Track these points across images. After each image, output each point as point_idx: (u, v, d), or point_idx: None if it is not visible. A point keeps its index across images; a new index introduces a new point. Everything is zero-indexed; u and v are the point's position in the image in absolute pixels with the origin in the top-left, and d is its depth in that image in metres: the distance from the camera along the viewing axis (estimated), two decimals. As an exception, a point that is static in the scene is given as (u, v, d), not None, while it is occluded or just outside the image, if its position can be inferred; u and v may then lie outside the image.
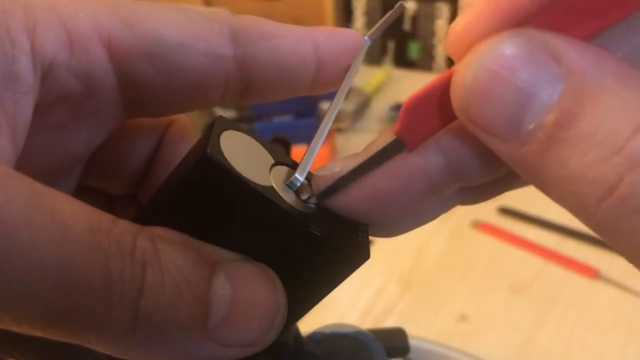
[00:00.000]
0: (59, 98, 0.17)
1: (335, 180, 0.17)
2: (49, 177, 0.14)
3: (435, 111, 0.16)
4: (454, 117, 0.16)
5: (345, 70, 0.19)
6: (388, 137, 0.17)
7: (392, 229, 0.19)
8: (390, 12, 0.19)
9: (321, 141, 0.18)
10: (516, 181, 0.19)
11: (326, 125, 0.18)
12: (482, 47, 0.14)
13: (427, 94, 0.16)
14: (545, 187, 0.14)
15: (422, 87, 0.16)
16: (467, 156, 0.16)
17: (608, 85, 0.13)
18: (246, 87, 0.19)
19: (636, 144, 0.12)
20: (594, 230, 0.13)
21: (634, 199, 0.12)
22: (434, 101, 0.16)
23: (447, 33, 0.15)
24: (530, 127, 0.13)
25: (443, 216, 0.20)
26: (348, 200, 0.17)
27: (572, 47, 0.13)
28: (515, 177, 0.19)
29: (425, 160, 0.17)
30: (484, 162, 0.16)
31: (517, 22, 0.14)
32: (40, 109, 0.17)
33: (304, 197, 0.17)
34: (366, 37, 0.20)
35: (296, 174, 0.17)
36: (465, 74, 0.14)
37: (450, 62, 1.12)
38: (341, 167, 0.17)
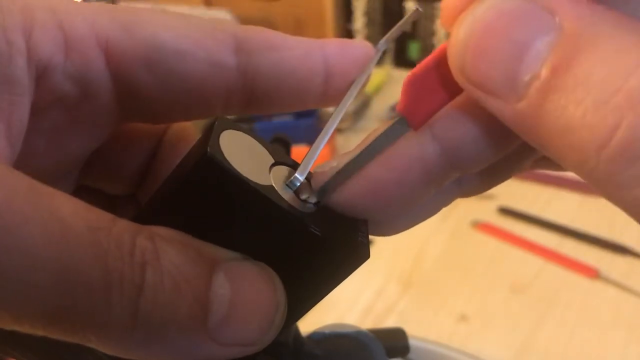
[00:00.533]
0: (55, 101, 0.17)
1: (334, 174, 0.17)
2: (46, 178, 0.14)
3: (436, 86, 0.16)
4: (456, 91, 0.16)
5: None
6: (384, 126, 0.17)
7: (392, 226, 0.19)
8: (406, 16, 0.19)
9: (324, 143, 0.18)
10: (514, 167, 0.19)
11: (330, 128, 0.18)
12: (475, 4, 0.14)
13: (428, 67, 0.16)
14: (545, 145, 0.14)
15: (422, 62, 0.16)
16: (462, 142, 0.16)
17: (603, 30, 0.12)
18: (250, 98, 0.19)
19: (635, 83, 0.12)
20: (598, 189, 0.13)
21: (635, 143, 0.12)
22: (435, 75, 0.16)
23: (441, 12, 0.15)
24: (526, 78, 0.13)
25: (443, 216, 0.20)
26: (347, 194, 0.17)
27: (565, 0, 0.13)
28: (512, 163, 0.19)
29: (421, 149, 0.16)
30: (479, 147, 0.16)
31: None
32: (36, 112, 0.17)
33: (304, 196, 0.17)
34: (382, 42, 0.19)
35: (296, 174, 0.17)
36: (459, 31, 0.14)
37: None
38: (337, 162, 0.17)
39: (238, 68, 0.18)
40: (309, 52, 0.18)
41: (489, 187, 0.19)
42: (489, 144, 0.16)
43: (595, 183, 0.13)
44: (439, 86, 0.16)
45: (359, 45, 0.19)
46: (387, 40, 0.20)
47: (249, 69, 0.18)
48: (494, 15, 0.13)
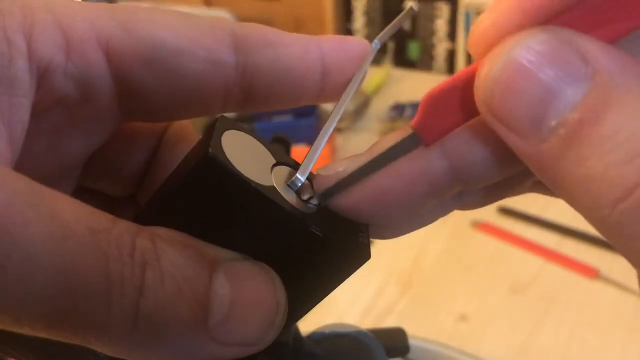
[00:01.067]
0: (56, 102, 0.17)
1: (340, 180, 0.17)
2: (47, 180, 0.14)
3: (454, 107, 0.16)
4: (473, 114, 0.16)
5: (351, 79, 0.19)
6: (394, 138, 0.17)
7: (391, 231, 0.19)
8: (401, 15, 0.19)
9: (324, 143, 0.18)
10: (516, 187, 0.19)
11: (330, 127, 0.18)
12: (511, 41, 0.14)
13: (447, 89, 0.16)
14: (559, 187, 0.14)
15: (442, 82, 0.16)
16: (471, 161, 0.16)
17: (633, 88, 0.13)
18: (248, 96, 0.19)
19: None
20: (604, 233, 0.13)
21: None
22: (454, 97, 0.16)
23: (469, 35, 0.15)
24: (553, 124, 0.13)
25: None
26: (350, 201, 0.17)
27: (598, 47, 0.13)
28: (514, 183, 0.19)
29: (430, 163, 0.17)
30: (487, 167, 0.16)
31: (543, 21, 0.14)
32: (37, 113, 0.17)
33: (305, 197, 0.17)
34: (376, 40, 0.19)
35: (298, 175, 0.17)
36: (492, 66, 0.14)
37: (450, 62, 1.12)
38: (345, 167, 0.17)
39: (237, 66, 0.18)
40: (306, 49, 0.18)
41: (488, 204, 0.20)
42: (497, 165, 0.16)
43: (603, 230, 0.13)
44: (457, 108, 0.16)
45: (356, 42, 0.19)
46: (382, 39, 0.20)
47: (248, 66, 0.18)
48: (530, 55, 0.13)
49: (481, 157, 0.16)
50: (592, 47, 0.13)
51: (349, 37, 0.19)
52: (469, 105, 0.15)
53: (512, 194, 0.20)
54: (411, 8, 0.19)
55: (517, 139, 0.14)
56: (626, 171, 0.12)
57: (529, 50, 0.14)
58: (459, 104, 0.16)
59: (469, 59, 1.08)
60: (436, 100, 0.16)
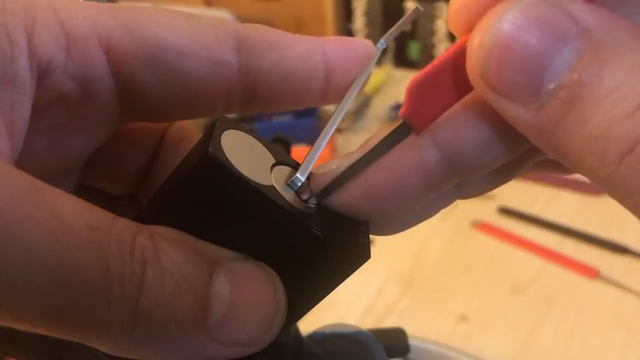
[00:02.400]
0: (56, 100, 0.17)
1: (335, 177, 0.17)
2: (48, 178, 0.14)
3: (440, 90, 0.16)
4: (460, 95, 0.16)
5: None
6: (385, 131, 0.17)
7: (392, 226, 0.19)
8: (406, 15, 0.19)
9: (325, 142, 0.18)
10: (513, 171, 0.19)
11: (331, 127, 0.18)
12: (497, 10, 0.14)
13: (432, 73, 0.16)
14: (562, 151, 0.14)
15: (425, 67, 0.16)
16: (463, 149, 0.16)
17: (624, 42, 0.13)
18: (251, 97, 0.19)
19: None
20: (611, 191, 0.13)
21: None
22: (439, 80, 0.16)
23: (449, 12, 0.15)
24: (551, 87, 0.13)
25: (443, 216, 0.20)
26: (346, 197, 0.17)
27: (583, 7, 0.13)
28: (512, 167, 0.19)
29: (421, 154, 0.16)
30: (479, 154, 0.16)
31: None
32: (37, 111, 0.17)
33: (305, 197, 0.17)
34: (382, 40, 0.19)
35: (297, 174, 0.17)
36: (483, 38, 0.14)
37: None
38: (338, 164, 0.17)
39: (239, 67, 0.18)
40: (309, 50, 0.18)
41: (488, 190, 0.19)
42: (489, 151, 0.16)
43: (609, 186, 0.13)
44: (443, 90, 0.16)
45: (360, 43, 0.19)
46: (387, 39, 0.19)
47: (250, 67, 0.18)
48: (520, 21, 0.13)
49: (473, 144, 0.16)
50: (578, 7, 0.13)
51: (352, 39, 0.19)
52: (455, 86, 0.15)
53: (511, 177, 0.20)
54: (417, 8, 0.19)
55: (516, 108, 0.14)
56: (629, 124, 0.12)
57: (517, 17, 0.13)
58: (445, 86, 0.16)
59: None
60: (422, 86, 0.16)
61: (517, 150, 0.17)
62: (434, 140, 0.16)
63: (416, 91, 0.16)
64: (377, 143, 0.17)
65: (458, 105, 0.16)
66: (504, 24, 0.14)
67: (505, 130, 0.16)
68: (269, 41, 0.18)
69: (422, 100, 0.16)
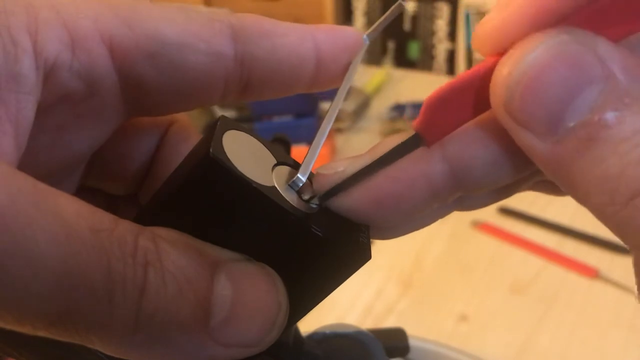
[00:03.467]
0: (61, 98, 0.17)
1: (341, 181, 0.17)
2: (51, 177, 0.14)
3: (457, 108, 0.16)
4: (475, 114, 0.16)
5: (344, 68, 0.19)
6: (395, 140, 0.17)
7: (391, 232, 0.19)
8: (389, 11, 0.19)
9: (323, 141, 0.18)
10: (514, 190, 0.19)
11: (327, 125, 0.18)
12: (530, 42, 0.14)
13: (453, 90, 0.16)
14: (572, 185, 0.14)
15: (445, 84, 0.16)
16: (471, 166, 0.16)
17: None
18: (246, 85, 0.19)
19: None
20: (614, 227, 0.14)
21: None
22: (457, 97, 0.16)
23: (475, 33, 0.16)
24: (571, 124, 0.14)
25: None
26: (351, 202, 0.17)
27: (612, 48, 0.14)
28: (514, 186, 0.19)
29: (430, 167, 0.17)
30: (487, 172, 0.17)
31: (553, 21, 0.14)
32: (42, 110, 0.17)
33: (306, 197, 0.17)
34: (365, 36, 0.20)
35: (298, 174, 0.17)
36: (512, 68, 0.14)
37: (450, 62, 1.12)
38: (345, 167, 0.17)
39: (235, 57, 0.18)
40: (300, 38, 0.19)
41: (487, 204, 0.20)
42: (496, 171, 0.17)
43: (612, 223, 0.14)
44: (460, 107, 0.16)
45: (349, 31, 0.20)
46: (370, 35, 0.20)
47: (246, 57, 0.18)
48: (550, 57, 0.14)
49: (481, 162, 0.16)
50: (606, 48, 0.14)
51: (342, 27, 0.20)
52: (473, 105, 0.16)
53: (510, 195, 0.20)
54: (399, 3, 0.19)
55: (533, 139, 0.14)
56: None
57: (549, 52, 0.14)
58: (463, 104, 0.16)
59: (469, 59, 1.08)
60: (439, 102, 0.16)
61: (523, 173, 0.17)
62: (444, 154, 0.17)
63: (434, 106, 0.16)
64: (386, 151, 0.17)
65: (471, 122, 0.17)
66: (535, 58, 0.14)
67: (514, 153, 0.16)
68: (262, 30, 0.19)
69: (438, 115, 0.16)
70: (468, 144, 0.16)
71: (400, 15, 0.20)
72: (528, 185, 0.19)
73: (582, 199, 0.14)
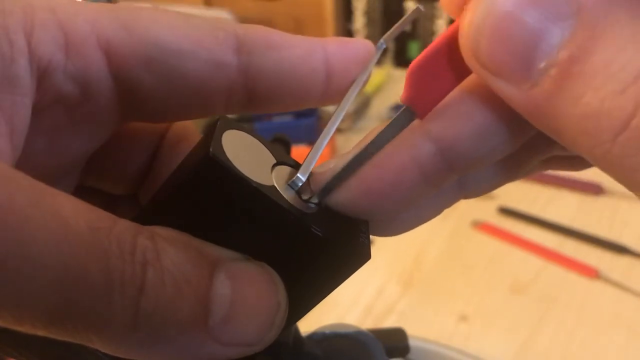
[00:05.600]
0: (56, 100, 0.17)
1: (334, 176, 0.17)
2: (47, 179, 0.14)
3: (440, 73, 0.16)
4: (461, 76, 0.16)
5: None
6: (380, 128, 0.17)
7: (392, 227, 0.19)
8: (407, 15, 0.19)
9: (325, 142, 0.18)
10: (518, 170, 0.19)
11: (332, 127, 0.18)
12: None
13: (431, 55, 0.16)
14: (557, 131, 0.14)
15: (424, 50, 0.16)
16: (456, 140, 0.16)
17: (620, 18, 0.13)
18: (251, 97, 0.19)
19: None
20: (607, 169, 0.13)
21: None
22: (438, 62, 0.16)
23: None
24: (542, 65, 0.13)
25: (443, 216, 0.20)
26: (345, 195, 0.17)
27: None
28: (515, 165, 0.19)
29: (416, 149, 0.16)
30: (473, 146, 0.16)
31: None
32: (37, 112, 0.17)
33: (305, 197, 0.17)
34: (382, 41, 0.19)
35: (298, 174, 0.17)
36: (474, 15, 0.14)
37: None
38: (335, 163, 0.17)
39: (239, 67, 0.18)
40: (309, 51, 0.18)
41: (492, 189, 0.19)
42: (484, 143, 0.16)
43: (605, 165, 0.13)
44: (442, 73, 0.16)
45: (360, 43, 0.19)
46: (387, 39, 0.19)
47: (250, 68, 0.18)
48: (511, 1, 0.13)
49: (466, 136, 0.16)
50: None
51: (352, 39, 0.19)
52: (454, 68, 0.15)
53: (516, 177, 0.19)
54: (417, 8, 0.19)
55: (507, 86, 0.14)
56: (621, 101, 0.12)
57: None
58: (444, 68, 0.16)
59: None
60: (420, 69, 0.16)
61: (514, 141, 0.16)
62: (428, 134, 0.16)
63: (416, 75, 0.16)
64: (378, 133, 0.17)
65: (450, 97, 0.16)
66: (496, 1, 0.13)
67: (499, 122, 0.16)
68: (269, 41, 0.18)
69: (423, 84, 0.16)
70: (450, 120, 0.16)
71: (399, 15, 0.19)
72: (535, 164, 0.19)
73: (571, 145, 0.14)
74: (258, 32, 0.18)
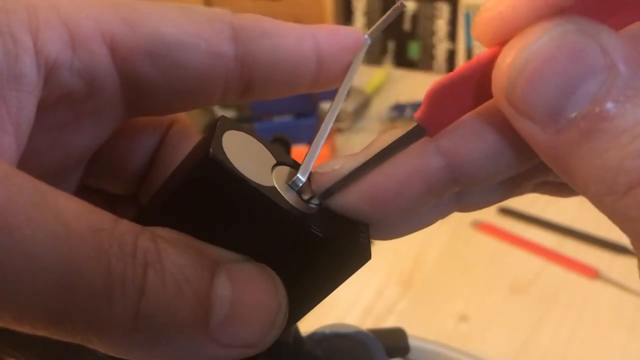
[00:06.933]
0: (62, 97, 0.17)
1: (338, 179, 0.17)
2: (50, 176, 0.14)
3: (460, 97, 0.16)
4: (477, 103, 0.16)
5: (345, 68, 0.19)
6: (392, 135, 0.17)
7: (391, 232, 0.19)
8: (390, 11, 0.19)
9: (322, 141, 0.18)
10: (515, 189, 0.19)
11: (327, 125, 0.18)
12: (533, 32, 0.14)
13: (455, 80, 0.16)
14: (572, 175, 0.14)
15: (446, 75, 0.16)
16: (467, 158, 0.16)
17: None
18: (246, 85, 0.19)
19: None
20: (611, 215, 0.14)
21: None
22: (461, 87, 0.16)
23: (474, 24, 0.16)
24: (572, 115, 0.14)
25: (443, 216, 0.20)
26: (348, 199, 0.17)
27: (617, 39, 0.14)
28: (514, 185, 0.19)
29: (425, 161, 0.17)
30: (483, 165, 0.16)
31: (556, 9, 0.14)
32: (42, 109, 0.17)
33: (306, 197, 0.17)
34: (366, 36, 0.20)
35: (298, 174, 0.17)
36: (515, 58, 0.14)
37: (451, 62, 1.12)
38: (341, 165, 0.17)
39: (236, 56, 0.18)
40: (301, 38, 0.19)
41: (487, 205, 0.20)
42: (492, 164, 0.17)
43: (610, 212, 0.14)
44: (462, 97, 0.16)
45: (350, 31, 0.20)
46: (371, 35, 0.20)
47: (246, 57, 0.18)
48: (553, 48, 0.14)
49: (477, 155, 0.16)
50: (610, 38, 0.14)
51: (342, 27, 0.20)
52: (475, 95, 0.16)
53: (511, 195, 0.20)
54: (400, 3, 0.19)
55: (534, 128, 0.14)
56: None
57: (552, 42, 0.14)
58: (465, 94, 0.16)
59: (469, 59, 1.08)
60: (440, 93, 0.16)
61: (521, 166, 0.17)
62: (439, 148, 0.17)
63: (436, 97, 0.16)
64: (387, 144, 0.17)
65: (467, 114, 0.17)
66: (538, 47, 0.14)
67: (511, 146, 0.16)
68: (262, 30, 0.18)
69: (440, 105, 0.16)
70: (464, 138, 0.16)
71: (400, 15, 0.20)
72: (529, 186, 0.19)
73: (582, 189, 0.14)
74: (252, 21, 0.19)
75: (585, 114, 0.13)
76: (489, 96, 0.15)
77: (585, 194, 0.14)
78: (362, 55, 0.20)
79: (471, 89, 0.16)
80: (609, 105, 0.13)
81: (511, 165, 0.17)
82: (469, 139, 0.16)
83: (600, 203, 0.14)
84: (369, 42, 0.20)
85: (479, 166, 0.16)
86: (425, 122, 0.16)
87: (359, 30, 0.20)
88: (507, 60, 0.14)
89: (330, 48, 0.19)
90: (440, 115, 0.16)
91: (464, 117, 0.17)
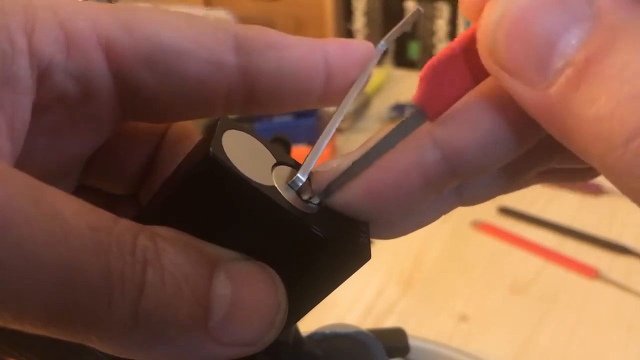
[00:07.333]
0: (56, 100, 0.17)
1: (336, 176, 0.17)
2: (47, 178, 0.14)
3: (455, 75, 0.16)
4: (474, 80, 0.15)
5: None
6: (384, 133, 0.17)
7: (392, 230, 0.19)
8: (407, 16, 0.19)
9: (326, 142, 0.18)
10: (515, 180, 0.19)
11: (332, 127, 0.18)
12: None
13: (446, 56, 0.15)
14: (569, 134, 0.13)
15: (439, 52, 0.16)
16: (463, 148, 0.16)
17: (638, 22, 0.12)
18: (251, 97, 0.19)
19: None
20: (616, 179, 0.13)
21: None
22: (454, 64, 0.15)
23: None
24: (559, 64, 0.13)
25: (443, 216, 0.20)
26: (347, 196, 0.17)
27: None
28: (514, 175, 0.19)
29: (420, 154, 0.16)
30: (479, 154, 0.16)
31: None
32: (37, 111, 0.17)
33: (306, 197, 0.17)
34: (382, 42, 0.19)
35: (298, 174, 0.17)
36: (492, 14, 0.14)
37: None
38: (338, 163, 0.17)
39: (239, 68, 0.18)
40: (309, 52, 0.18)
41: (489, 198, 0.19)
42: (488, 153, 0.16)
43: (614, 173, 0.13)
44: (457, 75, 0.16)
45: (360, 45, 0.19)
46: (387, 41, 0.19)
47: (250, 68, 0.18)
48: (530, 0, 0.13)
49: (473, 144, 0.16)
50: None
51: (353, 40, 0.19)
52: (469, 71, 0.15)
53: (514, 187, 0.20)
54: (418, 10, 0.19)
55: (522, 86, 0.14)
56: (635, 107, 0.12)
57: None
58: (459, 71, 0.16)
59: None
60: (435, 71, 0.16)
61: (519, 149, 0.16)
62: (434, 140, 0.16)
63: (430, 76, 0.16)
64: (387, 133, 0.17)
65: (458, 104, 0.16)
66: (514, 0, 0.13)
67: (506, 129, 0.16)
68: (268, 42, 0.18)
69: (436, 85, 0.16)
70: (457, 128, 0.16)
71: (399, 15, 0.19)
72: (532, 175, 0.19)
73: (583, 151, 0.13)
74: (257, 33, 0.18)
75: (572, 61, 0.13)
76: (484, 72, 0.15)
77: (587, 158, 0.13)
78: (374, 63, 0.19)
79: (466, 65, 0.15)
80: (595, 49, 0.13)
81: (508, 149, 0.16)
82: (462, 128, 0.16)
83: (604, 166, 0.13)
84: (385, 47, 0.19)
85: (475, 155, 0.16)
86: (424, 104, 0.16)
87: (369, 43, 0.19)
88: (485, 18, 0.14)
89: (340, 62, 0.18)
90: (438, 96, 0.16)
91: (458, 104, 0.16)
